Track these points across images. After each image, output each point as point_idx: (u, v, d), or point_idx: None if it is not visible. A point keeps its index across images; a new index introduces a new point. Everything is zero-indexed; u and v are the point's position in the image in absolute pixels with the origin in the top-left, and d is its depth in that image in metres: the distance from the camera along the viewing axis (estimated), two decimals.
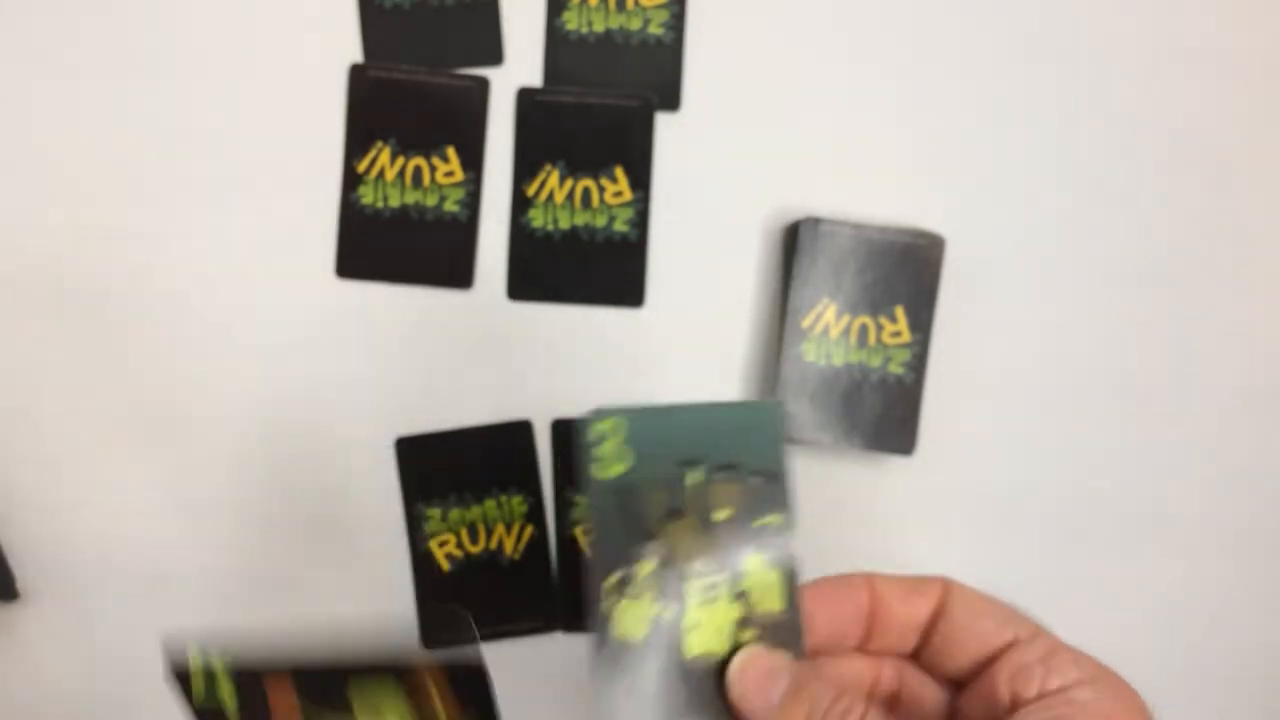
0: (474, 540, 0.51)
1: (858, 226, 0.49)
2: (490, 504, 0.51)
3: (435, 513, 0.50)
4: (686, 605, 0.32)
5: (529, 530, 0.51)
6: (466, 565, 0.51)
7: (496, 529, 0.51)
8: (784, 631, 0.32)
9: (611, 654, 0.31)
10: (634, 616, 0.32)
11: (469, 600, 0.50)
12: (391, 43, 0.51)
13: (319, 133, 0.51)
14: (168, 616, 0.50)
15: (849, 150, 0.52)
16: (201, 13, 0.50)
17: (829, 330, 0.49)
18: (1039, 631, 0.32)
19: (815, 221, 0.49)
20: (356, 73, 0.51)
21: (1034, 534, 0.52)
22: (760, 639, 0.32)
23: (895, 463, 0.51)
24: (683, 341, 0.51)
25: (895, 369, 0.50)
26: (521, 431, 0.51)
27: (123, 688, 0.50)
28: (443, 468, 0.50)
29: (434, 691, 0.31)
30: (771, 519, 0.32)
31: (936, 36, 0.52)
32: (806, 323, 0.49)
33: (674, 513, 0.32)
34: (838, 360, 0.49)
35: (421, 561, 0.50)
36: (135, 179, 0.50)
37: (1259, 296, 0.52)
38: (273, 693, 0.30)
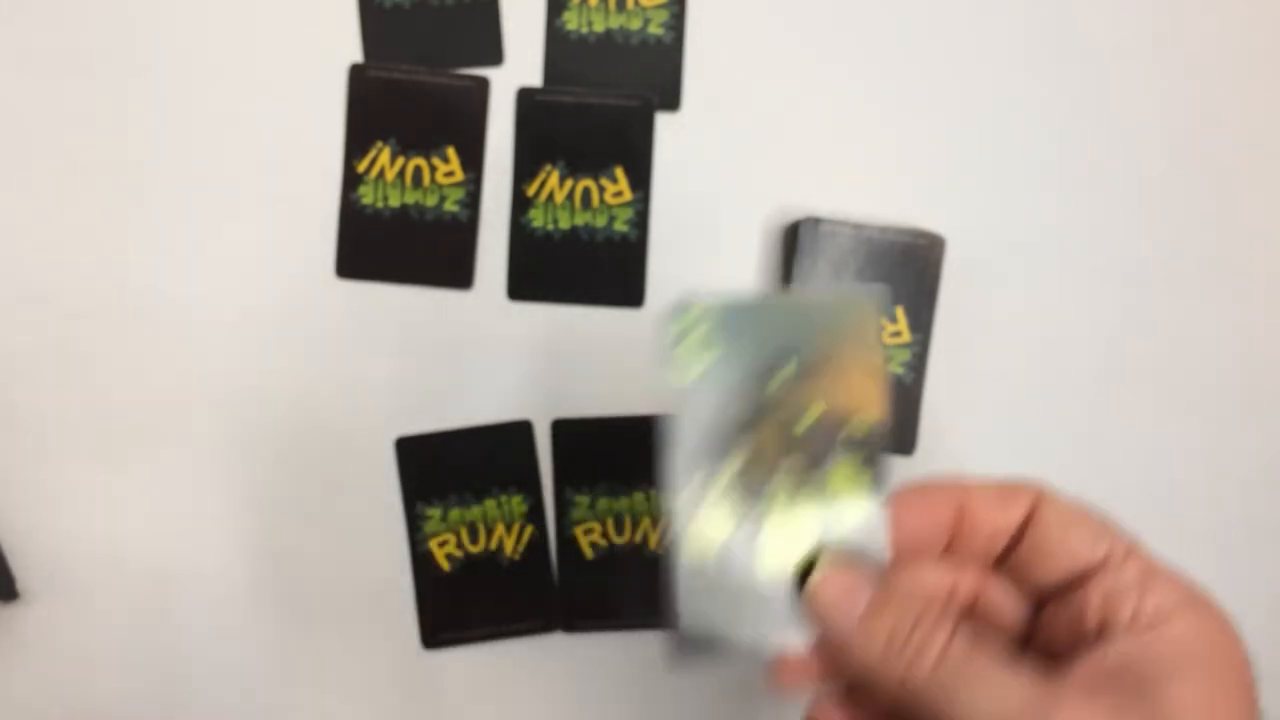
0: (474, 540, 0.51)
1: (858, 226, 0.49)
2: (490, 504, 0.51)
3: (435, 513, 0.50)
4: (770, 509, 0.30)
5: (529, 530, 0.51)
6: (466, 565, 0.51)
7: (496, 529, 0.51)
8: (869, 536, 0.31)
9: (690, 564, 0.30)
10: (714, 524, 0.30)
11: (469, 600, 0.50)
12: (391, 43, 0.51)
13: (319, 133, 0.51)
14: (168, 616, 0.50)
15: (849, 150, 0.52)
16: (201, 13, 0.50)
17: None
18: (1134, 549, 0.30)
19: (815, 221, 0.49)
20: (356, 73, 0.51)
21: None
22: (843, 546, 0.30)
23: (895, 463, 0.51)
24: None
25: (895, 369, 0.50)
26: (521, 431, 0.51)
27: (123, 688, 0.50)
28: (443, 468, 0.50)
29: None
30: (866, 417, 0.31)
31: (937, 36, 0.52)
32: None
33: (761, 409, 0.30)
34: None
35: (421, 561, 0.50)
36: (135, 179, 0.50)
37: (1259, 296, 0.52)
38: None
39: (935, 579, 0.32)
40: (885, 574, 0.31)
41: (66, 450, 0.50)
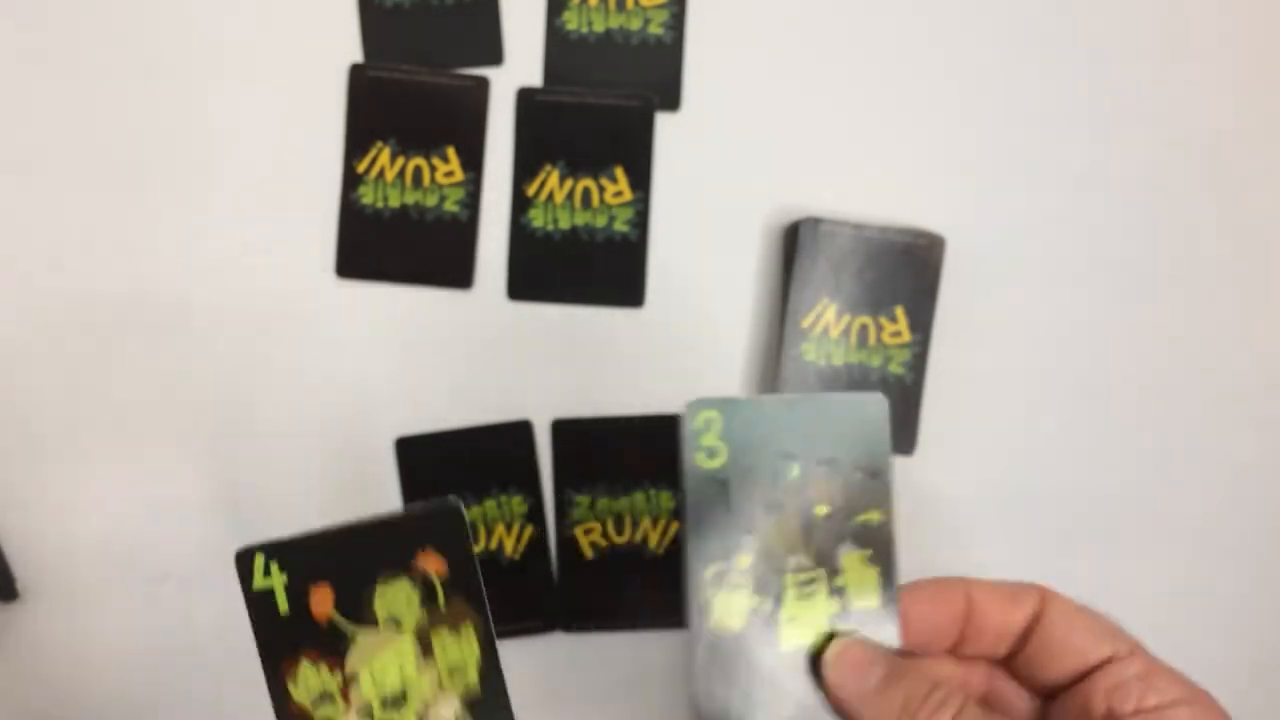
0: (474, 540, 0.51)
1: (858, 226, 0.49)
2: (490, 504, 0.51)
3: None
4: (784, 598, 0.32)
5: (529, 530, 0.51)
6: None
7: (496, 529, 0.51)
8: (880, 628, 0.32)
9: (709, 645, 0.31)
10: (731, 608, 0.31)
11: None
12: (391, 43, 0.51)
13: (319, 133, 0.51)
14: (168, 616, 0.50)
15: (849, 150, 0.52)
16: (201, 13, 0.50)
17: (829, 330, 0.49)
18: (1136, 648, 0.32)
19: (815, 221, 0.49)
20: (356, 73, 0.51)
21: (1034, 534, 0.52)
22: (856, 634, 0.32)
23: (895, 463, 0.51)
24: (683, 341, 0.51)
25: (895, 369, 0.50)
26: (521, 431, 0.51)
27: (123, 688, 0.50)
28: (443, 468, 0.50)
29: (436, 580, 0.31)
30: (872, 515, 0.32)
31: (937, 36, 0.52)
32: (806, 323, 0.49)
33: (773, 506, 0.32)
34: (838, 360, 0.49)
35: None
36: (135, 179, 0.50)
37: (1260, 296, 0.52)
38: (314, 599, 0.31)
39: (947, 670, 0.33)
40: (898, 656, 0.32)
41: (66, 450, 0.50)
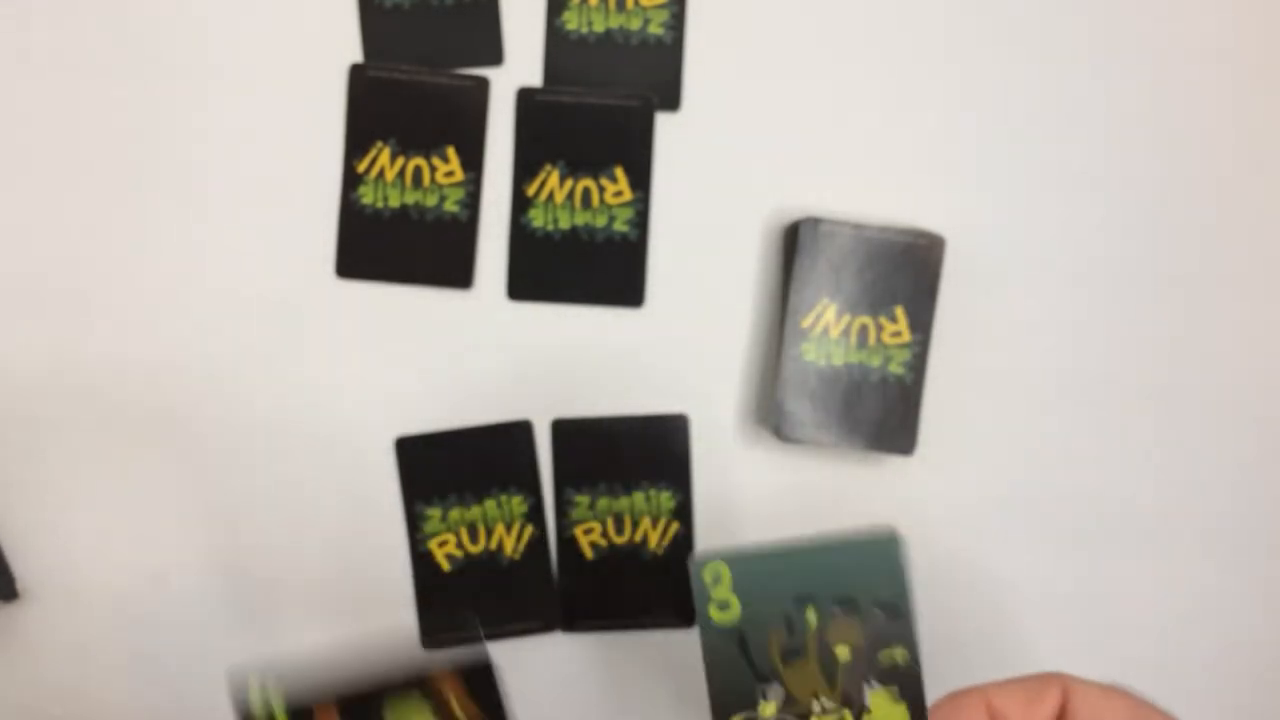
0: (474, 540, 0.51)
1: (858, 226, 0.49)
2: (490, 504, 0.51)
3: (435, 513, 0.50)
4: None
5: (529, 530, 0.51)
6: (466, 565, 0.51)
7: (496, 529, 0.51)
8: None
9: None
10: None
11: (469, 600, 0.50)
12: (391, 43, 0.51)
13: (319, 133, 0.51)
14: (167, 616, 0.50)
15: (849, 150, 0.52)
16: (201, 13, 0.50)
17: (829, 330, 0.49)
18: None
19: (815, 221, 0.49)
20: (356, 73, 0.51)
21: (1034, 534, 0.52)
22: None
23: (895, 463, 0.51)
24: (683, 341, 0.51)
25: (895, 369, 0.50)
26: (521, 431, 0.51)
27: (121, 688, 0.50)
28: (443, 468, 0.50)
29: (453, 699, 0.31)
30: (897, 653, 0.32)
31: (937, 37, 0.52)
32: (806, 323, 0.49)
33: (792, 653, 0.32)
34: (838, 360, 0.49)
35: (421, 561, 0.50)
36: (134, 179, 0.50)
37: (1260, 296, 0.52)
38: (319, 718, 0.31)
39: None
40: None
41: (65, 450, 0.50)
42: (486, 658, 0.31)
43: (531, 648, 0.51)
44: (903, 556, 0.32)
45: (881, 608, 0.32)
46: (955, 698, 0.32)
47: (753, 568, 0.31)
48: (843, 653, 0.32)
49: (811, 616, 0.32)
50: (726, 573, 0.31)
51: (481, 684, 0.31)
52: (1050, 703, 0.31)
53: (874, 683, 0.32)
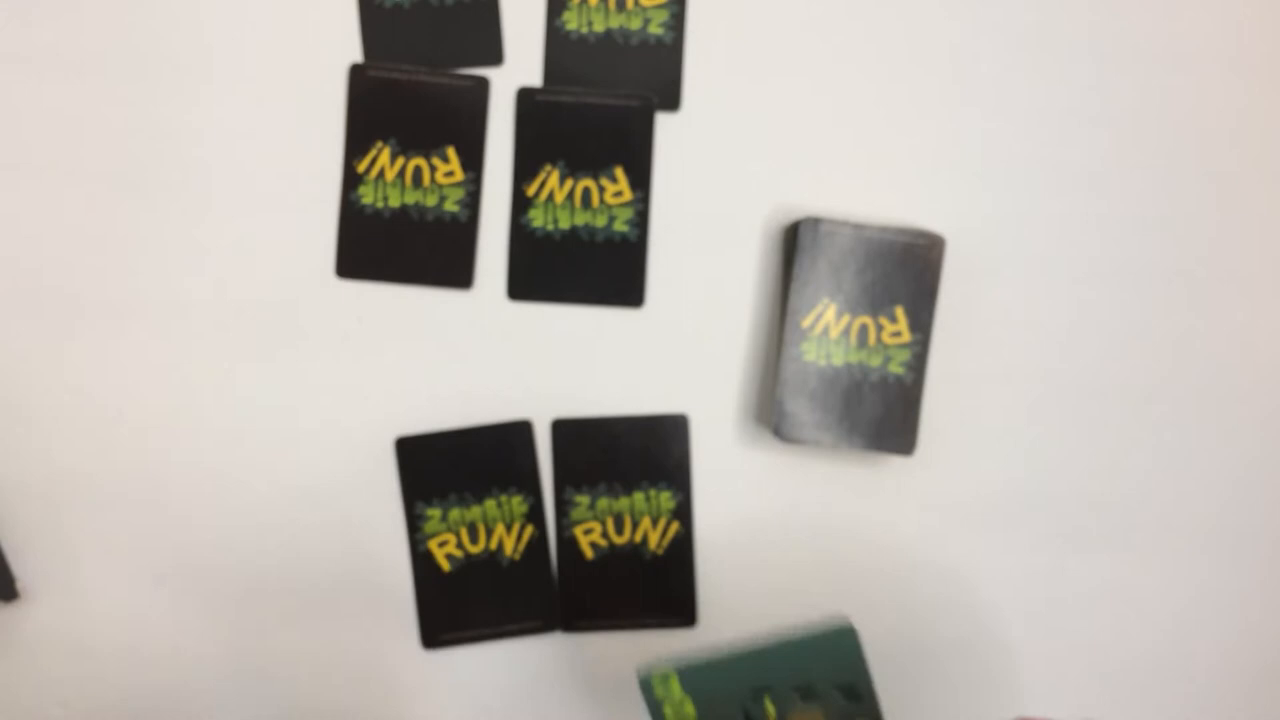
0: (474, 540, 0.51)
1: (858, 226, 0.49)
2: (490, 504, 0.51)
3: (435, 513, 0.50)
4: None
5: (529, 530, 0.51)
6: (466, 565, 0.51)
7: (496, 529, 0.51)
8: None
9: None
10: None
11: (469, 600, 0.50)
12: (391, 43, 0.51)
13: (319, 133, 0.51)
14: (167, 616, 0.50)
15: (849, 150, 0.52)
16: (202, 13, 0.50)
17: (829, 330, 0.49)
18: None
19: (815, 221, 0.49)
20: (356, 73, 0.51)
21: (1034, 534, 0.52)
22: None
23: (895, 463, 0.51)
24: (683, 341, 0.51)
25: (895, 369, 0.50)
26: (521, 431, 0.51)
27: (122, 688, 0.50)
28: (443, 468, 0.50)
29: None
30: None
31: (937, 37, 0.52)
32: (806, 323, 0.49)
33: None
34: (838, 360, 0.49)
35: (421, 561, 0.50)
36: (135, 179, 0.50)
37: (1260, 296, 0.52)
38: None
39: None
40: None
41: (66, 450, 0.50)
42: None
43: (531, 648, 0.51)
44: (858, 644, 0.32)
45: (841, 690, 0.32)
46: None
47: (702, 672, 0.32)
48: None
49: (770, 707, 0.32)
50: (675, 680, 0.32)
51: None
52: None
53: None
